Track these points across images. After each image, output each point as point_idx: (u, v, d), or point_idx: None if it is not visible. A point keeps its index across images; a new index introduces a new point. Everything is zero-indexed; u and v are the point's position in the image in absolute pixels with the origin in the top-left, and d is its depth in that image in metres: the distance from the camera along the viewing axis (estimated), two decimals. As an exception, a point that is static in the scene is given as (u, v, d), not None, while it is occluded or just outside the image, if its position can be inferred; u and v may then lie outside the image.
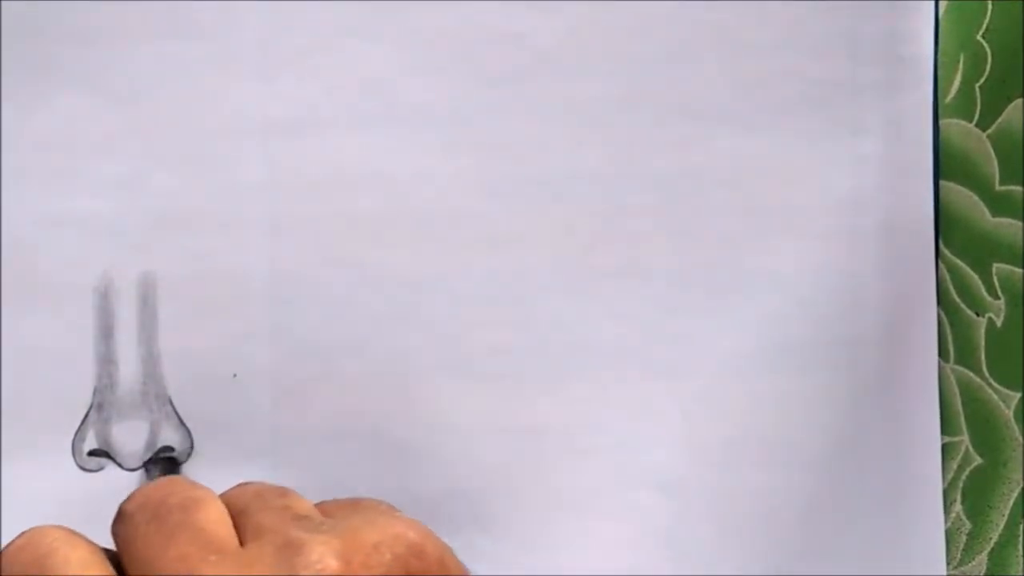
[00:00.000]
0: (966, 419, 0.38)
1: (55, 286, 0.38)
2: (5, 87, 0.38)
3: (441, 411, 0.38)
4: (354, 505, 0.31)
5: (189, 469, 0.38)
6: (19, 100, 0.38)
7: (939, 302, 0.37)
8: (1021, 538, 0.38)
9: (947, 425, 0.38)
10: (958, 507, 0.38)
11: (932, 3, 0.36)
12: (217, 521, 0.27)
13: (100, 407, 0.38)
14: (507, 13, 0.37)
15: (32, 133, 0.38)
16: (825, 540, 0.38)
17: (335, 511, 0.29)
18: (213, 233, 0.38)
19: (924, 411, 0.38)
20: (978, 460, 0.38)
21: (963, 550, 0.38)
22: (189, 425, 0.38)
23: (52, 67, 0.38)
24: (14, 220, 0.38)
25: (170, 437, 0.37)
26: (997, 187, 0.36)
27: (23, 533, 0.27)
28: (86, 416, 0.38)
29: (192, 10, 0.38)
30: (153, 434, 0.38)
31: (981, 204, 0.36)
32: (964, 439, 0.38)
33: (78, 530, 0.37)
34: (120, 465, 0.38)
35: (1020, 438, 0.35)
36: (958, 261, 0.37)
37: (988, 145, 0.36)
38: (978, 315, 0.37)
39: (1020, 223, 0.35)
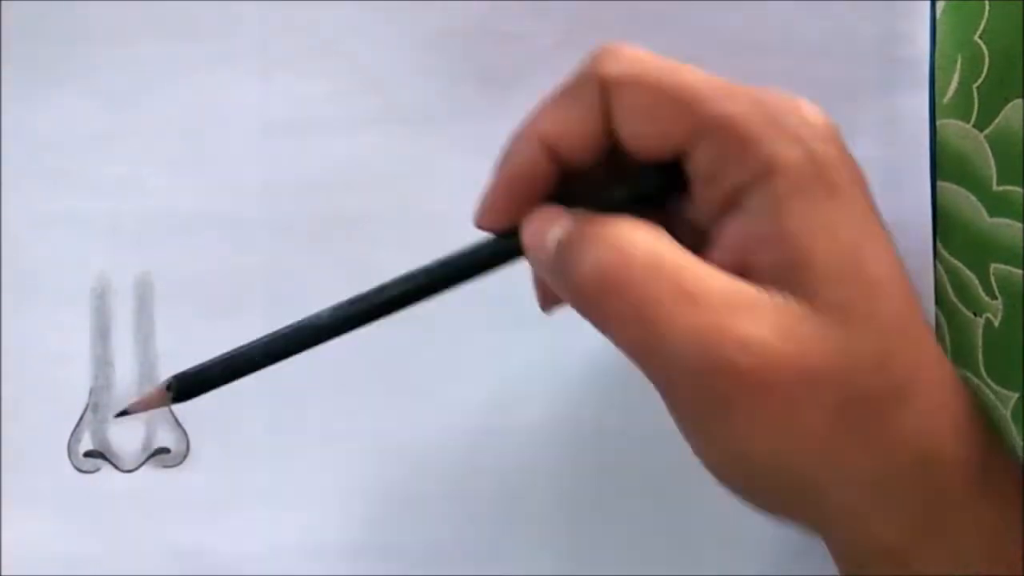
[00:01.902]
0: (964, 420, 0.38)
1: (53, 286, 0.38)
2: (5, 87, 0.38)
3: (441, 410, 0.38)
4: None
5: (185, 470, 0.38)
6: (19, 100, 0.38)
7: (937, 302, 0.37)
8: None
9: (945, 426, 0.38)
10: (957, 509, 0.38)
11: (928, 4, 0.37)
12: None
13: (96, 408, 0.38)
14: (507, 13, 0.37)
15: (32, 133, 0.38)
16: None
17: None
18: (212, 233, 0.38)
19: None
20: (976, 461, 0.38)
21: (962, 552, 0.38)
22: (185, 426, 0.38)
23: (52, 67, 0.38)
24: (13, 220, 0.38)
25: (166, 438, 0.37)
26: (995, 187, 0.36)
27: None
28: (82, 417, 0.38)
29: (192, 10, 0.38)
30: (149, 435, 0.38)
31: (979, 204, 0.36)
32: (962, 440, 0.38)
33: (76, 532, 0.37)
34: (116, 466, 0.37)
35: (1018, 438, 0.35)
36: (956, 261, 0.37)
37: (986, 146, 0.36)
38: (976, 315, 0.37)
39: (1018, 223, 0.35)
